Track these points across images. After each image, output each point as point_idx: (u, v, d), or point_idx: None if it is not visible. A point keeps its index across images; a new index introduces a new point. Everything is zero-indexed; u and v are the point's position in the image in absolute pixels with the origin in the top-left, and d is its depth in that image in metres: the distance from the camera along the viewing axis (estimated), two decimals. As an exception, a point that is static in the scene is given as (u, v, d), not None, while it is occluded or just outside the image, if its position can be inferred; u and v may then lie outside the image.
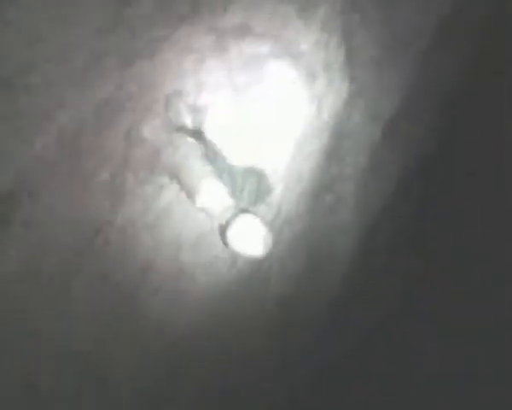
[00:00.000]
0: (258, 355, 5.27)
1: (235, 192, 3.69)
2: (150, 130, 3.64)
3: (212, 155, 3.70)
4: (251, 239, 3.26)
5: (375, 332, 6.84)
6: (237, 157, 3.92)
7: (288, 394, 6.19)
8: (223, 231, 3.30)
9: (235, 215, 3.26)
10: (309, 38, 4.26)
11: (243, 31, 3.95)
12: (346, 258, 5.74)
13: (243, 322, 4.73)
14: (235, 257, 4.13)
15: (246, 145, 3.96)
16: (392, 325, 6.90)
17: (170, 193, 3.74)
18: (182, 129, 3.69)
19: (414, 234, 6.91)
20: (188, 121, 3.76)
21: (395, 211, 6.02)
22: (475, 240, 6.83)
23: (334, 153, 4.87)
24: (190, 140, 3.59)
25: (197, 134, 3.73)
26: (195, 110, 3.78)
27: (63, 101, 3.11)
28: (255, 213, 3.33)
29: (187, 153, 3.53)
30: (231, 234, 3.25)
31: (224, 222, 3.29)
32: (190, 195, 3.43)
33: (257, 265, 4.47)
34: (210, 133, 3.84)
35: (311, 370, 6.38)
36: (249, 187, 3.99)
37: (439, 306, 6.99)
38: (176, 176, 3.54)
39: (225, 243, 3.32)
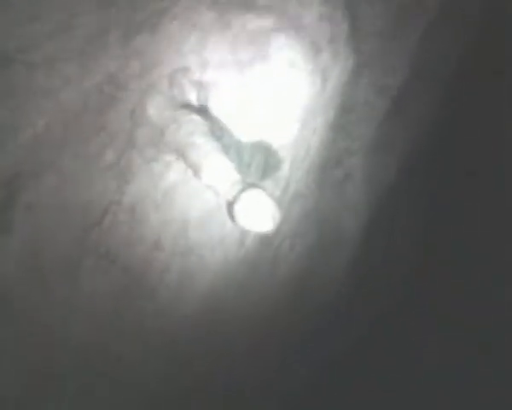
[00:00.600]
0: (264, 340, 5.24)
1: (241, 168, 3.64)
2: (155, 108, 3.60)
3: (217, 132, 3.65)
4: (259, 214, 3.22)
5: (376, 324, 6.83)
6: (243, 133, 3.87)
7: (291, 383, 6.18)
8: (230, 206, 3.25)
9: (242, 190, 3.21)
10: (313, 11, 4.20)
11: (246, 5, 3.90)
12: (355, 236, 5.70)
13: (253, 300, 4.71)
14: (243, 236, 4.09)
15: (251, 121, 3.90)
16: (393, 318, 6.90)
17: (176, 171, 3.70)
18: (186, 106, 3.64)
19: (421, 210, 6.88)
20: (192, 98, 3.71)
21: (402, 185, 5.98)
22: (478, 234, 6.82)
23: (340, 127, 4.83)
24: (195, 117, 3.54)
25: (202, 111, 3.68)
26: (200, 87, 3.73)
27: (64, 78, 3.05)
28: (263, 188, 3.28)
29: (192, 130, 3.48)
30: (238, 210, 3.21)
31: (231, 198, 3.25)
32: (196, 172, 3.40)
33: (266, 243, 4.43)
34: (215, 110, 3.79)
35: (312, 364, 6.35)
36: (256, 163, 3.93)
37: (440, 299, 6.98)
38: (182, 153, 3.49)
39: (233, 220, 3.28)
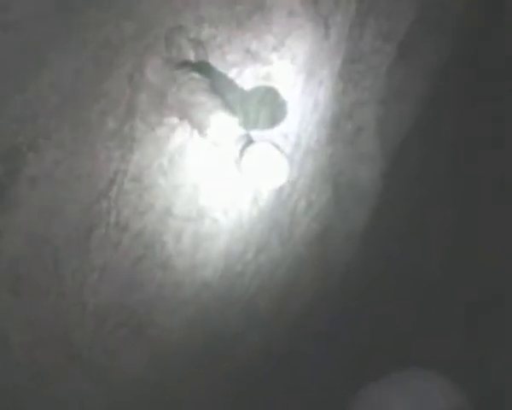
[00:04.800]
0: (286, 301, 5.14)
1: (248, 123, 3.55)
2: (153, 70, 3.53)
3: (220, 89, 3.55)
4: (268, 168, 3.13)
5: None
6: (247, 87, 3.76)
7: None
8: (238, 162, 3.17)
9: (249, 143, 3.13)
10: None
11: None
12: (371, 190, 5.57)
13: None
14: (257, 194, 4.00)
15: (255, 74, 3.80)
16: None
17: (182, 133, 3.61)
18: (186, 65, 3.56)
19: (440, 160, 6.71)
20: (191, 56, 3.61)
21: (417, 134, 5.82)
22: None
23: (348, 78, 4.68)
24: (196, 75, 3.47)
25: (203, 68, 3.59)
26: (198, 44, 3.64)
27: (51, 37, 2.94)
28: (271, 141, 3.20)
29: (194, 89, 3.41)
30: (247, 164, 3.13)
31: (238, 153, 3.16)
32: (202, 131, 3.33)
33: (281, 201, 4.33)
34: (216, 66, 3.69)
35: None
36: (263, 117, 3.83)
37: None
38: (185, 114, 3.43)
39: (243, 175, 3.20)
